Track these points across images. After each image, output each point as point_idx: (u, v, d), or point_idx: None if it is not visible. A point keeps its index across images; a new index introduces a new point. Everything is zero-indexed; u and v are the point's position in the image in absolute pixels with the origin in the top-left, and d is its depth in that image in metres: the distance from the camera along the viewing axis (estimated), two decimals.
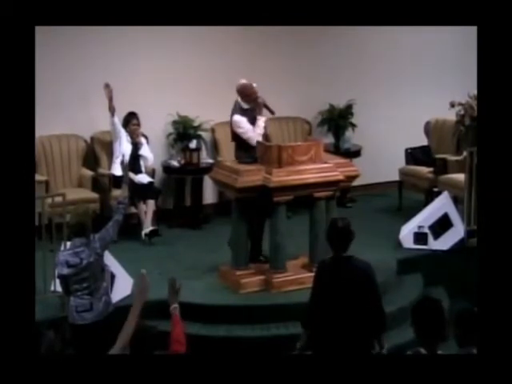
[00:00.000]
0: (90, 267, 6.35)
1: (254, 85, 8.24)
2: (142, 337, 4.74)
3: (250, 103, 8.20)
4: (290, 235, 7.97)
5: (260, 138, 8.22)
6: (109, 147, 9.69)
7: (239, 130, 8.19)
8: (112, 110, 9.36)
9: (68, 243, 6.94)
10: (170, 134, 10.05)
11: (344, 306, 5.84)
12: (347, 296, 5.85)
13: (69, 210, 7.59)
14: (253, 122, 8.21)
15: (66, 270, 6.38)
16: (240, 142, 8.26)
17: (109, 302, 6.51)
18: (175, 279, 5.20)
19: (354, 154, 10.42)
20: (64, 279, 6.47)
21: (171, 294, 5.14)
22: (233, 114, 8.21)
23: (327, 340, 5.86)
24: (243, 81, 8.28)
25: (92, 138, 9.79)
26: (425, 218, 8.94)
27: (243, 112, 8.19)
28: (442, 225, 8.85)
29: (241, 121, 8.16)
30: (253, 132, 8.17)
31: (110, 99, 9.31)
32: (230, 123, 8.26)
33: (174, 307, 5.08)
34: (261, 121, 8.25)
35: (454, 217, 8.86)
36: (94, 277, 6.37)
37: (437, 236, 8.84)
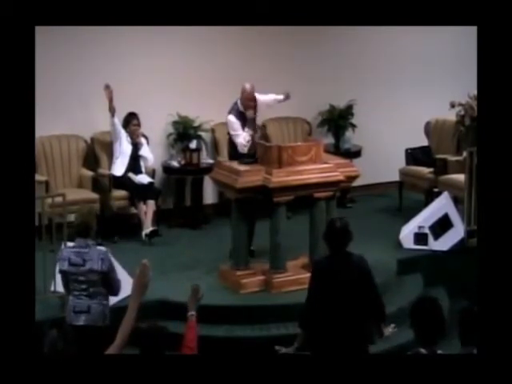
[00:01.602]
0: (90, 273, 6.31)
1: (249, 87, 8.44)
2: (153, 337, 4.73)
3: (244, 108, 8.47)
4: (290, 235, 7.97)
5: (246, 148, 8.40)
6: (109, 148, 9.68)
7: (231, 132, 8.54)
8: (112, 111, 9.36)
9: (69, 243, 6.94)
10: (170, 135, 10.05)
11: (344, 303, 5.85)
12: (346, 293, 5.86)
13: (69, 210, 7.60)
14: (244, 125, 8.45)
15: (66, 267, 6.37)
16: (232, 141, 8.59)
17: (106, 314, 6.45)
18: (199, 287, 5.20)
19: (354, 154, 10.41)
20: (64, 275, 6.47)
21: (191, 301, 5.14)
22: (229, 112, 8.50)
23: (327, 339, 5.86)
24: (247, 85, 8.48)
25: (92, 139, 9.79)
26: (425, 218, 8.94)
27: (237, 114, 8.46)
28: (442, 225, 8.85)
29: (234, 123, 8.48)
30: (241, 139, 8.42)
31: (110, 100, 9.31)
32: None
33: (192, 314, 5.08)
34: (246, 134, 8.44)
35: (454, 217, 8.86)
36: (91, 282, 6.35)
37: (437, 236, 8.84)
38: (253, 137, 8.47)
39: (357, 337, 5.87)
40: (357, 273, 5.90)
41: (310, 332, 6.05)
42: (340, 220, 6.01)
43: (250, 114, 8.45)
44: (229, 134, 8.65)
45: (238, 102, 8.50)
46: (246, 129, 8.47)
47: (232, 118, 8.47)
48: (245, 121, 8.47)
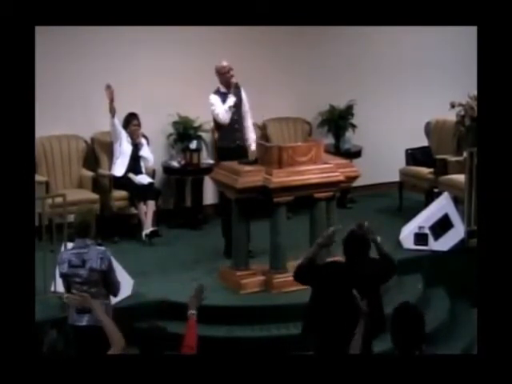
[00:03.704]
0: (91, 273, 6.30)
1: (225, 64, 8.61)
2: (153, 337, 4.73)
3: (225, 84, 8.60)
4: (290, 235, 7.97)
5: (227, 115, 8.51)
6: (109, 148, 9.68)
7: (211, 108, 8.59)
8: (113, 112, 9.35)
9: (69, 244, 6.93)
10: (170, 135, 10.04)
11: (349, 306, 5.88)
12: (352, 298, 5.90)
13: (69, 210, 7.59)
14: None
15: (66, 269, 6.37)
16: (222, 128, 8.65)
17: (109, 315, 6.42)
18: (203, 287, 5.20)
19: (354, 154, 10.41)
20: (65, 278, 6.47)
21: (194, 300, 5.13)
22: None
23: (333, 340, 5.87)
24: (223, 62, 8.64)
25: (92, 139, 9.78)
26: (425, 218, 8.93)
27: (219, 94, 8.59)
28: (442, 225, 8.85)
29: (212, 98, 8.57)
30: (221, 108, 8.50)
31: (111, 100, 9.30)
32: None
33: (192, 313, 5.07)
34: (230, 99, 8.52)
35: (455, 217, 8.86)
36: (93, 282, 6.33)
37: (437, 237, 8.84)
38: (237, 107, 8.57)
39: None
40: (370, 278, 5.98)
41: (315, 334, 6.04)
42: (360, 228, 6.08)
43: (232, 81, 8.55)
44: (215, 122, 8.71)
45: (219, 86, 8.65)
46: (230, 96, 8.54)
47: (211, 96, 8.59)
48: (225, 100, 8.57)
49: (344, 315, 5.81)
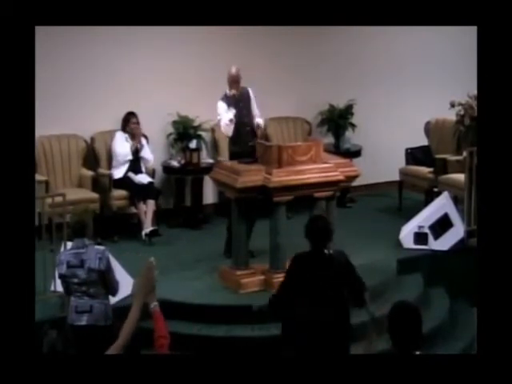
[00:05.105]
0: (89, 272, 6.30)
1: (234, 71, 8.50)
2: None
3: (228, 90, 8.50)
4: (290, 235, 7.97)
5: (229, 128, 8.41)
6: (109, 148, 9.68)
7: (217, 116, 8.52)
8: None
9: (69, 243, 6.93)
10: (170, 134, 10.05)
11: (322, 297, 5.96)
12: (325, 288, 5.97)
13: (69, 210, 7.59)
14: (235, 107, 8.42)
15: (64, 270, 6.37)
16: (233, 132, 8.50)
17: (108, 314, 6.44)
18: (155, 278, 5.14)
19: (353, 154, 10.41)
20: (64, 279, 6.47)
21: (149, 296, 5.06)
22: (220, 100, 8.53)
23: (307, 333, 5.96)
24: (233, 68, 8.55)
25: (92, 139, 9.79)
26: (425, 218, 8.94)
27: (226, 98, 8.47)
28: (442, 225, 8.85)
29: (220, 107, 8.48)
30: (223, 120, 8.42)
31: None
32: None
33: (155, 305, 5.01)
34: (230, 113, 8.41)
35: (454, 217, 8.86)
36: (91, 282, 6.34)
37: (437, 236, 8.84)
38: (238, 117, 8.43)
39: (335, 331, 5.98)
40: (336, 268, 6.09)
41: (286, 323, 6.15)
42: (321, 218, 6.30)
43: (231, 92, 8.45)
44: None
45: (227, 91, 8.54)
46: (229, 108, 8.44)
47: (219, 103, 8.48)
48: (233, 103, 8.44)
49: (312, 303, 5.92)
